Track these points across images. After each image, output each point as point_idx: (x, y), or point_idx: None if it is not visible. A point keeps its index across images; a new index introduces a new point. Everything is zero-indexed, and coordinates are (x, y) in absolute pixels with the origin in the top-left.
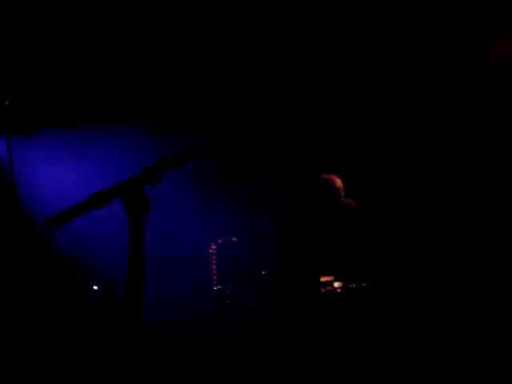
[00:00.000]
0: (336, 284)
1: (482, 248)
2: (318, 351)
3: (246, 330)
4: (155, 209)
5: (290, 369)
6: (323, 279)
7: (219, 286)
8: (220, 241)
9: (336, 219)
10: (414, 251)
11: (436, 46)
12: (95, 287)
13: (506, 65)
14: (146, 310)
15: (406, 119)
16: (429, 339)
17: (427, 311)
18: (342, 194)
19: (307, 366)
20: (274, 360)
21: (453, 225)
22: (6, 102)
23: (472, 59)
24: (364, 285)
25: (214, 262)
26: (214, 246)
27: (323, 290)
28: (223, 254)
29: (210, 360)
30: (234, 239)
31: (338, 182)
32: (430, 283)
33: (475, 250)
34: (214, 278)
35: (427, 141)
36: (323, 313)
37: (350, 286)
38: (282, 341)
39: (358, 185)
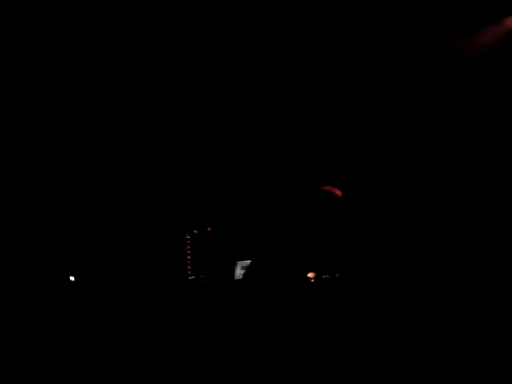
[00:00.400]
0: (310, 274)
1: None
2: (292, 341)
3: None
4: (130, 199)
5: (263, 359)
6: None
7: (194, 276)
8: (195, 231)
9: (334, 231)
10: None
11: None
12: (72, 278)
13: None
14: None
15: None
16: (402, 332)
17: (404, 305)
18: (342, 206)
19: (281, 358)
20: (249, 350)
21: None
22: None
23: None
24: (337, 275)
25: (189, 252)
26: (189, 237)
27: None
28: (198, 244)
29: (195, 352)
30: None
31: (338, 194)
32: (410, 279)
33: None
34: (189, 268)
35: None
36: (296, 302)
37: (324, 276)
38: (257, 331)
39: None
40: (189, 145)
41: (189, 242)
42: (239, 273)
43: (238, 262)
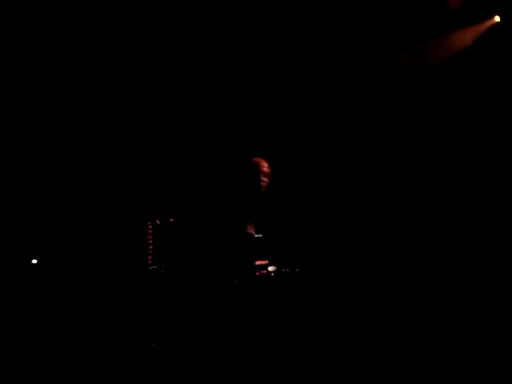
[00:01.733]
0: (270, 268)
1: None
2: (250, 333)
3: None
4: (92, 187)
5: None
6: (258, 263)
7: (154, 266)
8: (157, 221)
9: (254, 205)
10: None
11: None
12: (34, 261)
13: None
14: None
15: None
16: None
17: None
18: (267, 179)
19: (239, 350)
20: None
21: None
22: None
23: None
24: (297, 270)
25: (151, 242)
26: (150, 226)
27: (257, 273)
28: (160, 234)
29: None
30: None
31: (265, 167)
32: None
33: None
34: (150, 258)
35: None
36: (256, 295)
37: (284, 270)
38: (216, 322)
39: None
40: (151, 134)
41: (150, 231)
42: (201, 264)
43: (199, 253)
